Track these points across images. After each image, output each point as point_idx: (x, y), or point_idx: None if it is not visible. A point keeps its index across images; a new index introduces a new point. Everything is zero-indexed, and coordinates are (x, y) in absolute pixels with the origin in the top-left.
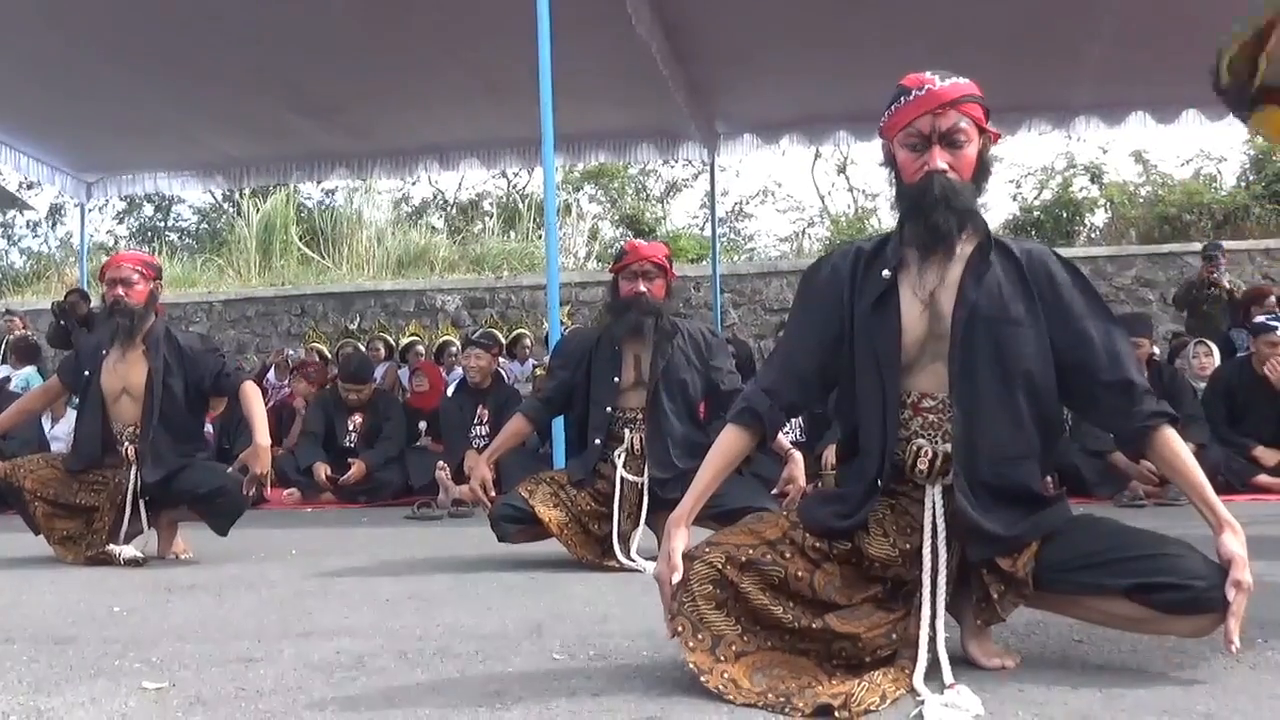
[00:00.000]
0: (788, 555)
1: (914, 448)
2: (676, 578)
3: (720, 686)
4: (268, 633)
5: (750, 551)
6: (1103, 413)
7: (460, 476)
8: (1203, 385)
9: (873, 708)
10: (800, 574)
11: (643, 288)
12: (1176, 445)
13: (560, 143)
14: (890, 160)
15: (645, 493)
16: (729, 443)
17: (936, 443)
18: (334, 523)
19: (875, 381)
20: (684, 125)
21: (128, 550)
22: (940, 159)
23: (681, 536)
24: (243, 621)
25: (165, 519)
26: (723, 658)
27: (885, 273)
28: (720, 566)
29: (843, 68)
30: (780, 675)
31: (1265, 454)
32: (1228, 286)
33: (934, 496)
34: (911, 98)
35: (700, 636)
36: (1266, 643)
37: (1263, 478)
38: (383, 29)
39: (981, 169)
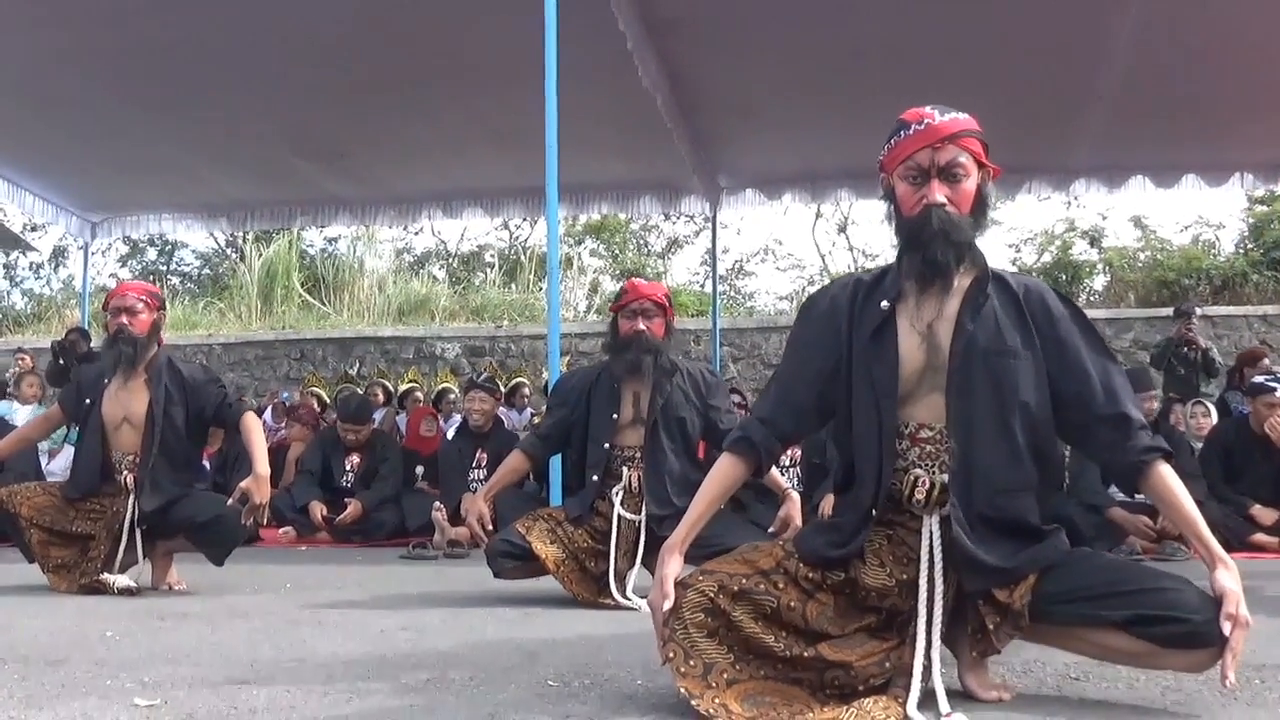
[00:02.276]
0: (781, 585)
1: (911, 477)
2: (669, 605)
3: (711, 710)
4: (260, 658)
5: (743, 581)
6: (1098, 447)
7: (457, 519)
8: (1200, 445)
9: None
10: (793, 604)
11: (642, 326)
12: (1171, 480)
13: (563, 193)
14: (889, 194)
15: (642, 531)
16: (724, 471)
17: (934, 472)
18: (328, 560)
19: (872, 412)
20: (687, 178)
21: (121, 579)
22: (939, 193)
23: (675, 564)
24: (236, 648)
25: (161, 549)
26: (714, 684)
27: (884, 304)
28: (713, 595)
29: (845, 125)
30: (772, 703)
31: (1262, 513)
32: (1203, 346)
33: (931, 526)
34: (911, 132)
35: (692, 663)
36: (1264, 683)
37: (1259, 536)
38: (389, 75)
39: (980, 203)
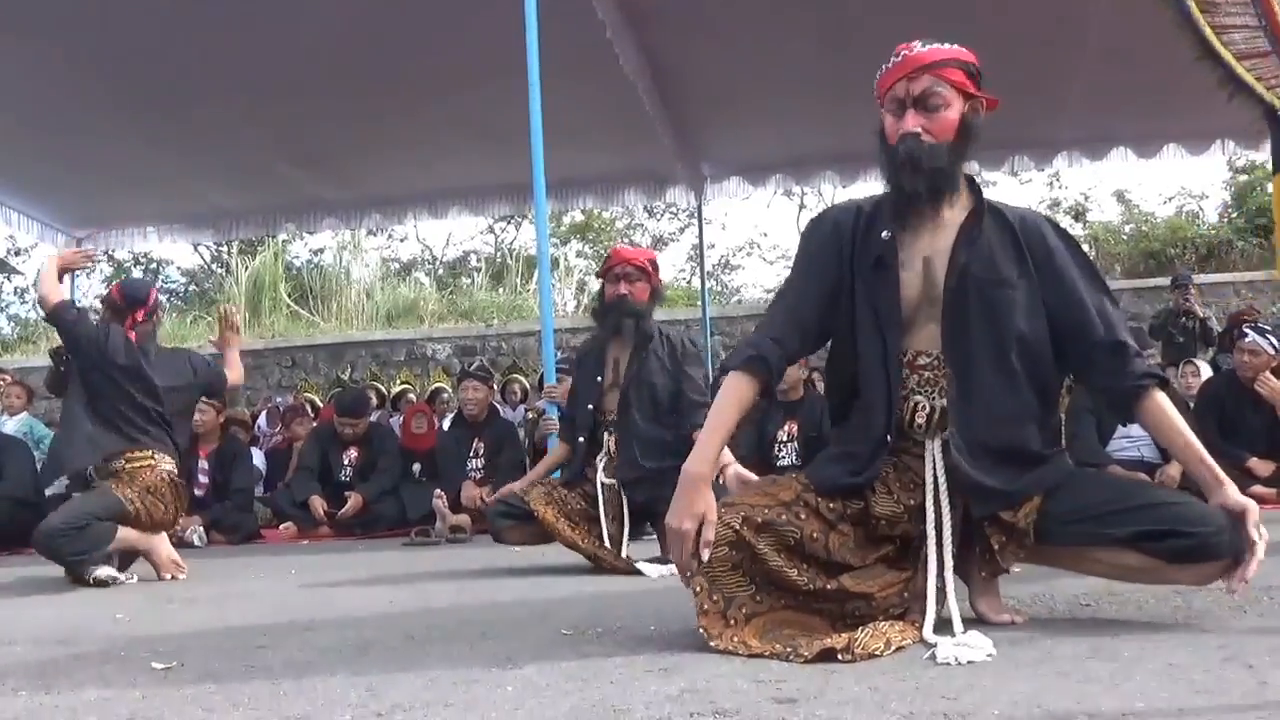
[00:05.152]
0: (803, 516)
1: (912, 404)
2: (706, 555)
3: (729, 648)
4: (273, 628)
5: (766, 512)
6: (1096, 374)
7: (458, 506)
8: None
9: (876, 652)
10: (815, 535)
11: (624, 290)
12: (1167, 406)
13: (548, 188)
14: (881, 128)
15: (623, 495)
16: (737, 390)
17: (933, 398)
18: (331, 551)
19: (876, 339)
20: (671, 169)
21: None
22: (913, 123)
23: (707, 495)
24: (247, 622)
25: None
26: (734, 620)
27: (884, 234)
28: (737, 527)
29: (827, 109)
30: (790, 635)
31: (1259, 465)
32: (1201, 315)
33: (934, 451)
34: (890, 64)
35: (714, 598)
36: (1273, 600)
37: (1257, 488)
38: (370, 76)
39: (964, 131)
